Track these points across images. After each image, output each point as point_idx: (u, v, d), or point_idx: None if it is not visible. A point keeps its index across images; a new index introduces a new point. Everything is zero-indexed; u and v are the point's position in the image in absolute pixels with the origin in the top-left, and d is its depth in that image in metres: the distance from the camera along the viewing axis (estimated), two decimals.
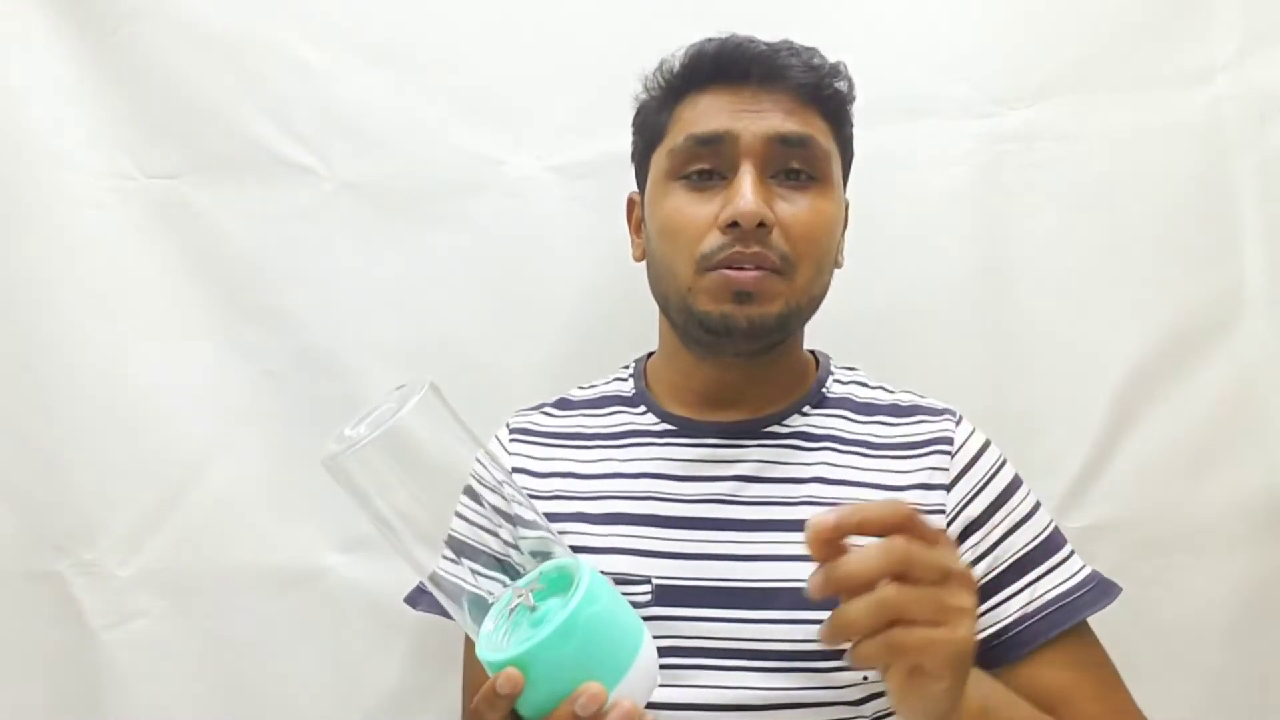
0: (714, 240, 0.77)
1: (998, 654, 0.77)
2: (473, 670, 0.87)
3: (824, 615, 0.72)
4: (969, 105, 1.05)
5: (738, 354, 0.81)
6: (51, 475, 1.07)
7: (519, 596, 0.58)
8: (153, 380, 1.08)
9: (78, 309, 1.07)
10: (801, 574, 0.74)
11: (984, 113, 1.05)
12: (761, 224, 0.75)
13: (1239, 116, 1.03)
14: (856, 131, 0.86)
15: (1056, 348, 1.04)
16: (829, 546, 0.55)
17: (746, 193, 0.75)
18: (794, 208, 0.78)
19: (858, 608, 0.53)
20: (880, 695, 0.76)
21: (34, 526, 1.07)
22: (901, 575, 0.53)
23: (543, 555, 0.60)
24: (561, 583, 0.58)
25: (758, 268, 0.76)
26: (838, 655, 0.73)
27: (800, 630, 0.73)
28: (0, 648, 1.07)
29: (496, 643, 0.57)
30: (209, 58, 1.08)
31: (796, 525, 0.77)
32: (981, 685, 0.67)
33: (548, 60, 1.08)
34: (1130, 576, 0.94)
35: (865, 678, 0.74)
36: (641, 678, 0.56)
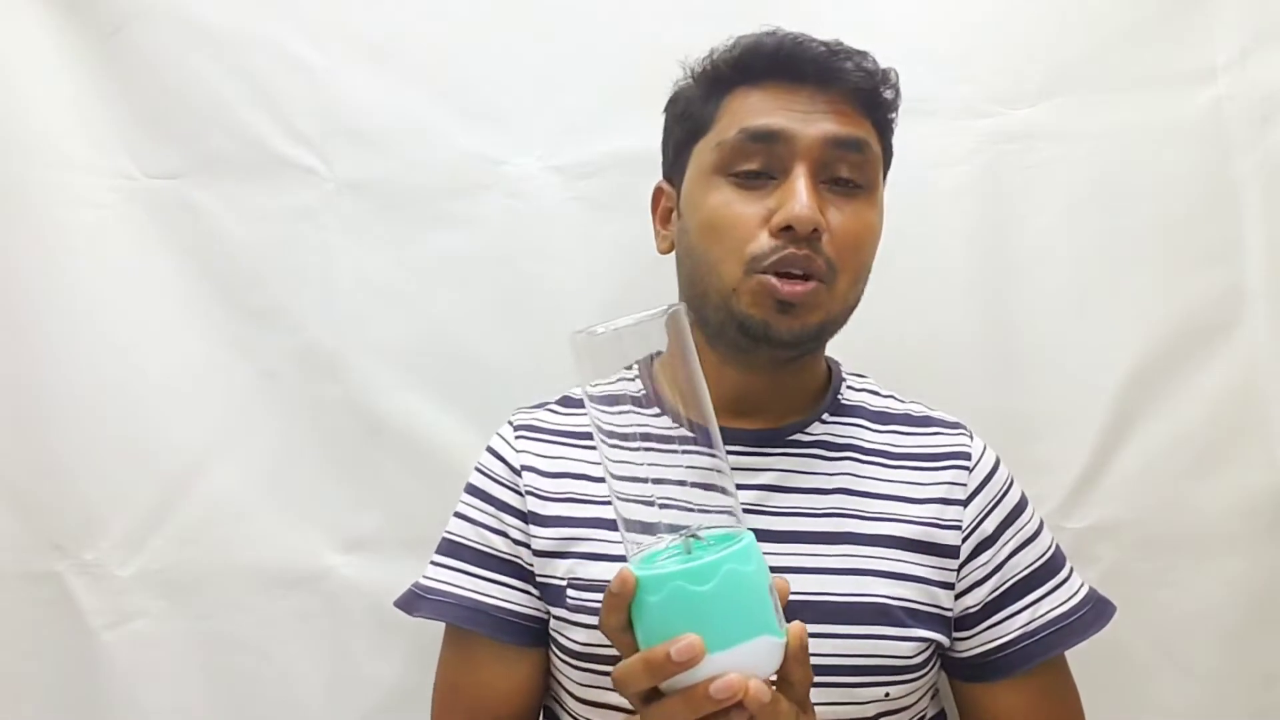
0: (764, 243, 0.74)
1: (987, 670, 0.78)
2: (446, 671, 0.86)
3: (852, 629, 0.73)
4: (969, 105, 1.05)
5: (771, 359, 0.79)
6: (51, 475, 1.07)
7: (682, 538, 0.58)
8: (153, 380, 1.08)
9: (78, 309, 1.07)
10: (827, 587, 0.74)
11: (984, 113, 1.05)
12: (814, 230, 0.73)
13: (1240, 117, 1.03)
14: None
15: (1057, 347, 1.04)
16: None
17: (803, 197, 0.73)
18: (842, 216, 0.76)
19: None
20: (893, 713, 0.76)
21: (34, 526, 1.07)
22: None
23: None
24: (727, 542, 0.57)
25: (806, 276, 0.74)
26: (862, 671, 0.73)
27: (827, 644, 0.73)
28: (0, 648, 1.07)
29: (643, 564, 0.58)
30: (209, 58, 1.08)
31: (823, 537, 0.77)
32: None
33: (549, 60, 1.08)
34: (1131, 577, 0.94)
35: (887, 694, 0.74)
36: (751, 661, 0.55)
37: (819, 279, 0.75)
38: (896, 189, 1.03)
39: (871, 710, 0.74)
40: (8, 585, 1.07)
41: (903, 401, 0.88)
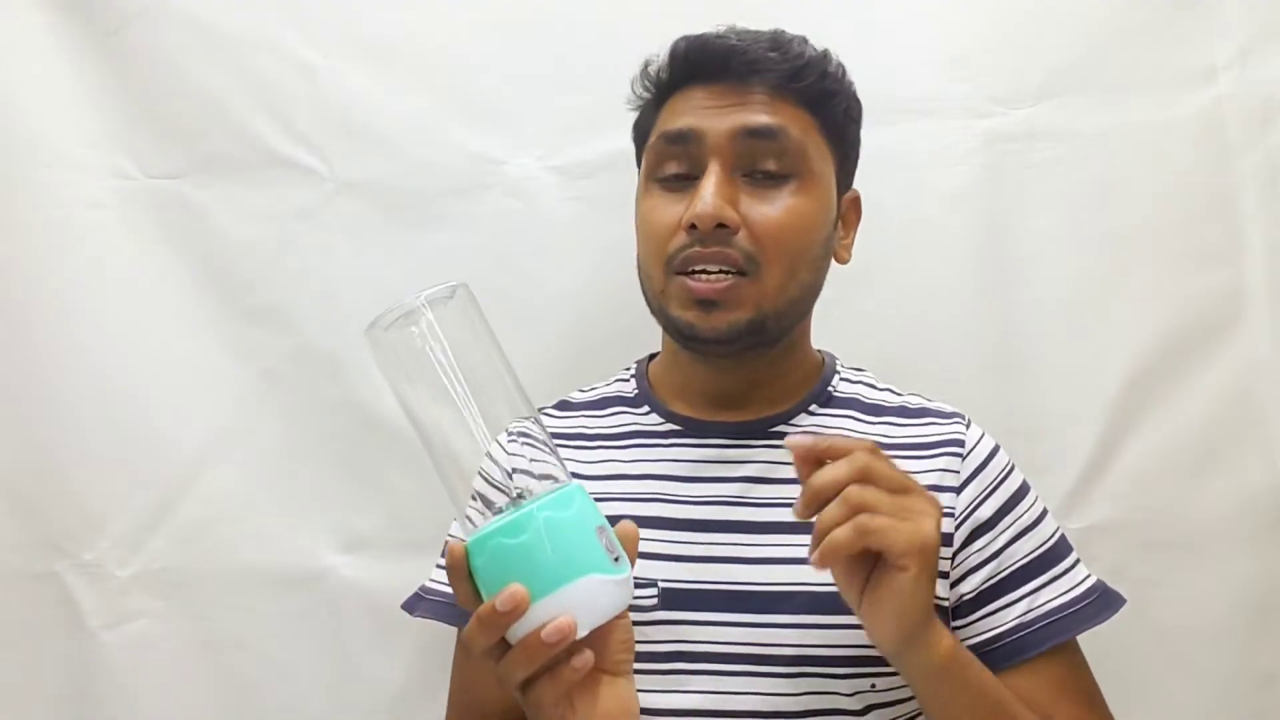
0: (678, 241, 0.76)
1: (987, 659, 0.76)
2: (460, 676, 0.86)
3: (834, 619, 0.72)
4: (969, 105, 1.05)
5: (720, 356, 0.79)
6: (51, 475, 1.07)
7: (508, 503, 0.60)
8: (153, 380, 1.08)
9: (77, 309, 1.07)
10: (812, 577, 0.73)
11: (984, 113, 1.05)
12: (723, 225, 0.74)
13: (1240, 117, 1.03)
14: None
15: (1057, 347, 1.04)
16: (809, 465, 0.62)
17: (706, 194, 0.74)
18: (765, 206, 0.76)
19: (830, 509, 0.60)
20: (882, 706, 0.75)
21: (34, 526, 1.07)
22: (864, 481, 0.60)
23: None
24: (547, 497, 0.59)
25: (721, 270, 0.75)
26: (845, 661, 0.73)
27: (810, 635, 0.73)
28: (0, 648, 1.07)
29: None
30: (210, 58, 1.08)
31: (806, 528, 0.75)
32: (950, 637, 0.67)
33: (549, 60, 1.08)
34: (1131, 577, 0.94)
35: (873, 685, 0.73)
36: (582, 600, 0.55)
37: (738, 273, 0.75)
38: (896, 189, 1.04)
39: (858, 703, 0.74)
40: (8, 585, 1.07)
41: (899, 394, 0.87)
